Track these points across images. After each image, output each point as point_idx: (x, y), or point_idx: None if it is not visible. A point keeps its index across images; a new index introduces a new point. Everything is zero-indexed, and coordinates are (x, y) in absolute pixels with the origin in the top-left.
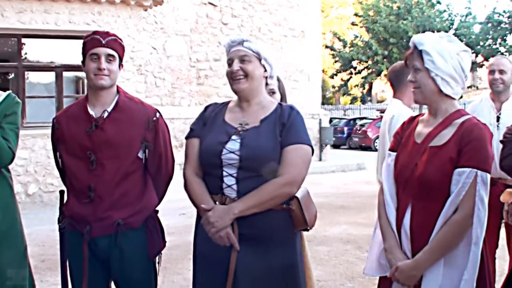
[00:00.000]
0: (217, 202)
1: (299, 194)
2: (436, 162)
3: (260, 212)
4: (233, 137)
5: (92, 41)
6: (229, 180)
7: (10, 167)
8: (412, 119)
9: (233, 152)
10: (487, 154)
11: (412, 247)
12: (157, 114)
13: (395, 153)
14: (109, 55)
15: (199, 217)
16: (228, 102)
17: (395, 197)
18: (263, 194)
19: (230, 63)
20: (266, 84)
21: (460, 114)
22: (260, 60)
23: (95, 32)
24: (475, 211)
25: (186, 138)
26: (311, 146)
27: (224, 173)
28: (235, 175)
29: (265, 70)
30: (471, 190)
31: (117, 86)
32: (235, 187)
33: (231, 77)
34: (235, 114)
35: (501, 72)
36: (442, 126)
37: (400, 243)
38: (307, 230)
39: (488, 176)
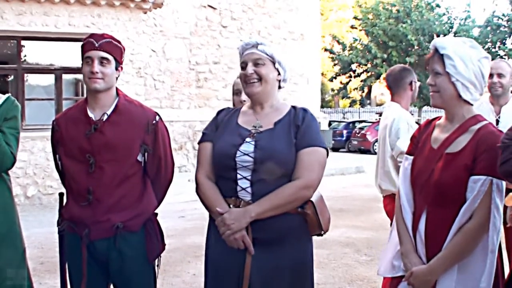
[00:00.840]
0: (231, 205)
1: (313, 198)
2: (451, 169)
3: (275, 215)
4: (247, 139)
5: (86, 44)
6: (243, 183)
7: None
8: (429, 122)
9: (247, 155)
10: None
11: (427, 252)
12: (157, 117)
13: (412, 157)
14: (103, 58)
15: (211, 223)
16: (240, 107)
17: (412, 201)
18: (280, 197)
19: (243, 66)
20: (279, 87)
21: (477, 120)
22: (274, 63)
23: (91, 35)
24: (491, 218)
25: (199, 143)
26: (326, 149)
27: (238, 176)
28: (249, 177)
29: (279, 74)
30: (486, 198)
31: (117, 89)
32: (249, 189)
33: (245, 80)
34: (249, 117)
35: (500, 75)
36: (459, 132)
37: (416, 247)
38: (321, 234)
39: (504, 183)
